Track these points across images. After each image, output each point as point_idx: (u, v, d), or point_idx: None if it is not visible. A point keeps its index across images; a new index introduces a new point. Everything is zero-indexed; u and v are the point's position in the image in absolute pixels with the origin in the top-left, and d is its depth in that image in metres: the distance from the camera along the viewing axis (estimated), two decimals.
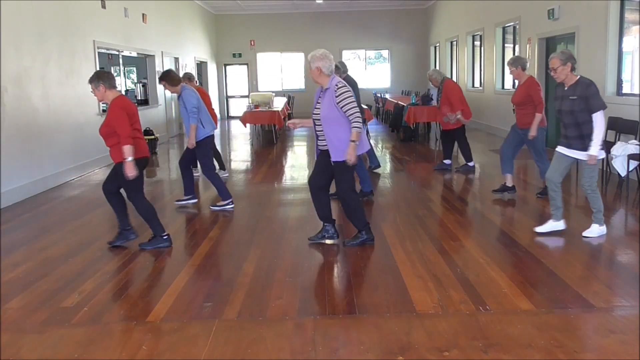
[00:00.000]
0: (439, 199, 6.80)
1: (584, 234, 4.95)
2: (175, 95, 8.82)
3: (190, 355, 3.03)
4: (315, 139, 4.83)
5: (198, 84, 10.80)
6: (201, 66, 18.64)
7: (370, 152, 8.64)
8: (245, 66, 21.12)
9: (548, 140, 9.02)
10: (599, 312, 3.44)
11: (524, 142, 6.46)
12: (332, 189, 5.18)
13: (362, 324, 3.38)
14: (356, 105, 4.57)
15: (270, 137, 13.45)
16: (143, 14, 12.38)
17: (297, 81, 21.26)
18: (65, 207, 6.83)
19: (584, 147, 4.75)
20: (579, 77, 4.80)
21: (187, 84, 6.74)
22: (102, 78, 4.69)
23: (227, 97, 21.43)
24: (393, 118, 13.90)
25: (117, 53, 11.49)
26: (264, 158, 10.76)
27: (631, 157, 6.39)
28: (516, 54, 11.79)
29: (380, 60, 21.76)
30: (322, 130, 4.68)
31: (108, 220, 5.93)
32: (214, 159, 6.90)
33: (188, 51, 16.51)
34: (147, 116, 12.31)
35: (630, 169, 6.43)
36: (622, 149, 6.47)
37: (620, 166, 6.48)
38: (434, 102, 11.15)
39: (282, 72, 21.33)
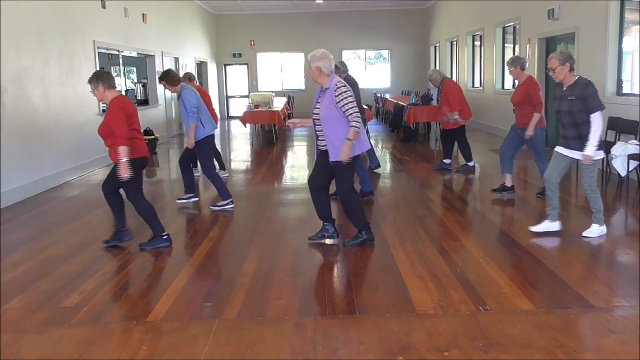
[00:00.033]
0: (439, 199, 6.80)
1: (584, 234, 4.95)
2: (175, 95, 8.82)
3: (190, 355, 3.03)
4: (315, 139, 4.83)
5: (198, 83, 10.80)
6: (201, 66, 18.64)
7: (370, 152, 8.64)
8: (245, 66, 21.13)
9: (548, 140, 9.03)
10: (599, 312, 3.44)
11: (523, 142, 6.46)
12: (332, 188, 5.18)
13: (362, 324, 3.37)
14: (356, 105, 4.57)
15: (270, 137, 13.45)
16: (143, 14, 12.38)
17: (297, 81, 21.26)
18: (65, 207, 6.83)
19: (583, 148, 4.74)
20: (577, 77, 4.80)
21: (188, 84, 6.74)
22: (101, 78, 4.70)
23: (227, 97, 21.44)
24: (393, 118, 13.90)
25: (117, 53, 11.49)
26: (264, 158, 10.76)
27: (631, 157, 6.39)
28: (516, 54, 11.79)
29: (380, 60, 21.77)
30: (321, 130, 4.68)
31: (108, 220, 5.92)
32: (214, 159, 6.90)
33: (188, 51, 16.51)
34: (147, 116, 12.32)
35: (630, 169, 6.43)
36: (622, 149, 6.48)
37: (620, 166, 6.48)
38: (434, 102, 11.16)
39: (282, 72, 21.33)
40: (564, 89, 4.84)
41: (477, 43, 15.10)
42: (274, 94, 14.99)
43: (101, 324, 3.47)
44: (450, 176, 8.22)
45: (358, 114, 4.53)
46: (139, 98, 14.68)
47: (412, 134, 12.45)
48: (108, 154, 4.83)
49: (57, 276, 4.34)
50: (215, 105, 18.03)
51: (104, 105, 9.36)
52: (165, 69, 11.58)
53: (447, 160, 8.77)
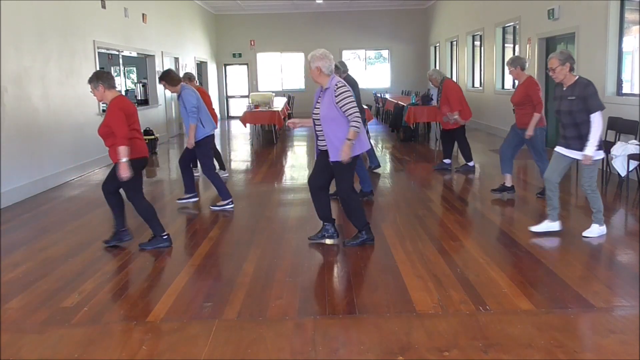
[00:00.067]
0: (439, 199, 6.80)
1: (584, 234, 4.95)
2: (175, 95, 8.83)
3: (190, 355, 3.03)
4: (315, 139, 4.83)
5: (198, 83, 10.80)
6: (201, 66, 18.64)
7: (370, 152, 8.64)
8: (245, 66, 21.13)
9: (548, 140, 9.03)
10: (599, 312, 3.44)
11: (523, 142, 6.46)
12: (332, 188, 5.18)
13: (362, 324, 3.38)
14: (356, 105, 4.56)
15: (270, 137, 13.45)
16: (143, 14, 12.38)
17: (297, 81, 21.26)
18: (65, 207, 6.83)
19: (583, 148, 4.74)
20: (577, 77, 4.80)
21: (188, 84, 6.74)
22: (101, 78, 4.70)
23: (227, 97, 21.44)
24: (393, 118, 13.90)
25: (117, 53, 11.49)
26: (264, 158, 10.76)
27: (631, 157, 6.39)
28: (516, 54, 11.79)
29: (380, 60, 21.77)
30: (321, 130, 4.68)
31: (108, 220, 5.91)
32: (214, 159, 6.90)
33: (188, 51, 16.51)
34: (147, 116, 12.32)
35: (630, 169, 6.43)
36: (622, 149, 6.48)
37: (620, 166, 6.48)
38: (434, 102, 11.16)
39: (282, 72, 21.33)
40: (564, 89, 4.84)
41: (477, 43, 15.10)
42: (274, 94, 14.99)
43: (101, 324, 3.47)
44: (450, 176, 8.22)
45: (358, 114, 4.53)
46: (139, 98, 14.68)
47: (412, 134, 12.45)
48: (108, 154, 4.83)
49: (57, 276, 4.34)
50: (215, 105, 18.04)
51: (104, 105, 9.35)
52: (165, 69, 11.60)
53: (447, 160, 8.78)
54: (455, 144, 8.71)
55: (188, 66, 16.22)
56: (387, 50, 21.15)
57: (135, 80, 19.21)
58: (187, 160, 6.67)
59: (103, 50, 10.43)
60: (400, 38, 20.70)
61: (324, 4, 19.59)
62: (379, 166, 8.68)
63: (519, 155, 6.83)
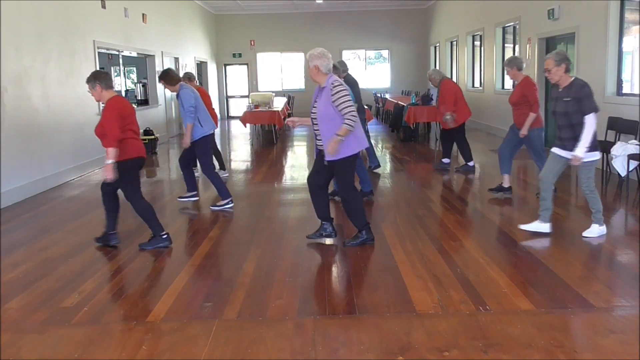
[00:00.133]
0: (439, 199, 6.80)
1: (584, 234, 4.95)
2: (175, 94, 8.83)
3: (190, 355, 3.03)
4: (315, 138, 4.83)
5: (198, 83, 10.81)
6: (201, 66, 18.64)
7: (370, 152, 8.64)
8: (245, 66, 21.12)
9: (548, 141, 9.03)
10: (599, 312, 3.44)
11: (522, 142, 6.48)
12: (331, 188, 5.18)
13: (362, 324, 3.37)
14: (352, 104, 4.52)
15: (270, 137, 13.45)
16: (143, 14, 12.38)
17: (297, 81, 21.26)
18: (65, 207, 6.83)
19: None
20: (573, 78, 4.81)
21: (187, 84, 6.73)
22: (98, 78, 4.70)
23: (227, 97, 21.44)
24: (393, 118, 13.90)
25: (117, 53, 11.49)
26: (264, 158, 10.76)
27: (631, 157, 6.39)
28: (516, 54, 11.80)
29: (380, 60, 21.76)
30: (319, 129, 4.68)
31: None
32: (213, 158, 6.90)
33: (188, 51, 16.51)
34: (147, 116, 12.32)
35: (630, 169, 6.43)
36: (622, 149, 6.48)
37: (620, 166, 6.48)
38: (434, 102, 11.16)
39: (282, 72, 21.33)
40: (560, 90, 4.85)
41: (477, 43, 15.10)
42: (274, 94, 14.99)
43: (101, 324, 3.47)
44: (450, 176, 8.22)
45: (353, 113, 4.48)
46: (139, 98, 14.69)
47: (412, 134, 12.45)
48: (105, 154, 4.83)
49: (57, 276, 4.34)
50: (215, 105, 18.04)
51: (104, 105, 9.38)
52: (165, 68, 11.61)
53: (445, 160, 8.79)
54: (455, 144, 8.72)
55: (188, 66, 16.22)
56: (387, 50, 21.14)
57: (135, 80, 19.21)
58: (187, 160, 6.67)
59: (103, 50, 10.43)
60: (400, 38, 20.70)
61: (324, 4, 19.59)
62: (379, 166, 8.68)
63: (519, 155, 6.83)
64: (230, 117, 21.11)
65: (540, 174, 5.07)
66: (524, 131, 6.23)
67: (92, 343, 3.21)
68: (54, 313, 3.64)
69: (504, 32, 13.00)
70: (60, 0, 8.47)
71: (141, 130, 10.27)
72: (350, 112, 4.46)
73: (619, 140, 7.10)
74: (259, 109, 12.76)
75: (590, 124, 4.65)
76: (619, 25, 8.03)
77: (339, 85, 4.55)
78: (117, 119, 4.61)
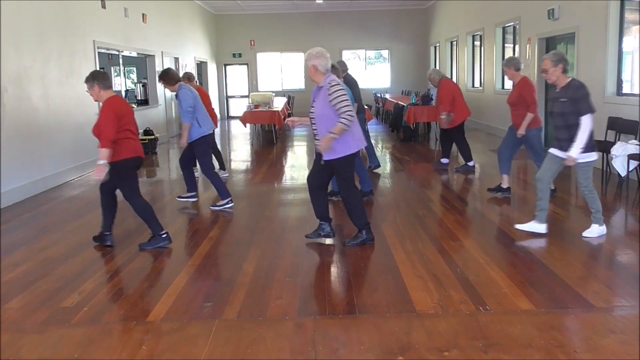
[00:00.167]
0: (439, 199, 6.80)
1: (584, 234, 4.95)
2: (175, 94, 8.83)
3: (190, 355, 3.03)
4: (314, 138, 4.82)
5: (198, 83, 10.81)
6: (201, 66, 18.64)
7: (370, 152, 8.65)
8: (245, 66, 21.12)
9: (547, 141, 9.03)
10: (599, 312, 3.44)
11: (521, 142, 6.48)
12: (330, 188, 5.17)
13: (362, 324, 3.37)
14: (349, 103, 4.51)
15: (270, 137, 13.45)
16: (143, 14, 12.38)
17: (297, 81, 21.26)
18: (65, 207, 6.83)
19: None
20: (570, 79, 4.81)
21: (187, 84, 6.73)
22: (96, 78, 4.70)
23: (227, 97, 21.43)
24: (393, 118, 13.90)
25: (117, 53, 11.49)
26: (264, 158, 10.76)
27: (631, 157, 6.39)
28: (516, 54, 11.80)
29: (380, 60, 21.76)
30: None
31: None
32: (212, 158, 6.90)
33: (188, 51, 16.51)
34: (147, 116, 12.32)
35: (630, 169, 6.43)
36: (622, 149, 6.48)
37: (620, 166, 6.48)
38: (434, 102, 11.16)
39: (282, 72, 21.32)
40: (557, 90, 4.85)
41: (477, 43, 15.10)
42: (274, 94, 14.99)
43: (101, 324, 3.47)
44: (450, 176, 8.22)
45: (350, 112, 4.45)
46: (139, 98, 14.69)
47: (412, 134, 12.45)
48: None
49: (57, 276, 4.34)
50: (215, 105, 18.04)
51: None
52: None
53: (444, 160, 8.79)
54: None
55: (188, 66, 16.22)
56: (387, 50, 21.14)
57: (135, 80, 19.21)
58: (187, 160, 6.67)
59: (103, 50, 10.43)
60: (400, 38, 20.70)
61: (324, 4, 19.58)
62: (378, 166, 8.68)
63: (518, 155, 6.83)
64: (230, 117, 21.11)
65: (537, 175, 5.07)
66: (521, 131, 6.24)
67: (92, 343, 3.21)
68: (54, 313, 3.64)
69: (504, 32, 13.00)
70: (60, 0, 8.47)
71: (141, 130, 10.23)
72: (346, 111, 4.45)
73: (619, 140, 7.10)
74: (259, 109, 12.76)
75: (586, 125, 4.65)
76: (619, 25, 8.02)
77: (336, 84, 4.54)
78: (114, 120, 4.60)
